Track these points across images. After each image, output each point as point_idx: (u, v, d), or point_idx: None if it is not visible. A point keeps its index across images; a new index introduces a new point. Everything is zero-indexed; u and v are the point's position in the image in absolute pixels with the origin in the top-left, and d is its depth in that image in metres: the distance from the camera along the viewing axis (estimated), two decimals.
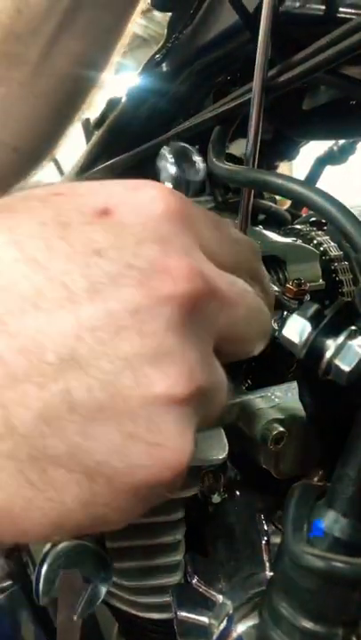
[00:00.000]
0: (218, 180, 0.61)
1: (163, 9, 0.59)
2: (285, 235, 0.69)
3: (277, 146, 0.85)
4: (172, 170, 0.34)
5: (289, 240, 0.64)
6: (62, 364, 0.22)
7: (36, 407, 0.22)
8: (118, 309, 0.23)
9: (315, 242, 0.67)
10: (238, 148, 0.95)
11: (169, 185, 0.36)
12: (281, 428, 0.47)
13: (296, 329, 0.33)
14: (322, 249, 0.66)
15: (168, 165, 0.37)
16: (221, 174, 0.44)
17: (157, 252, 0.25)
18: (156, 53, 0.61)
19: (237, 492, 0.53)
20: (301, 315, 0.33)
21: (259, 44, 0.41)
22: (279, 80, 0.42)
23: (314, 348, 0.32)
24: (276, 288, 0.58)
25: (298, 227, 0.71)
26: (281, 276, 0.61)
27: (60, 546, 0.37)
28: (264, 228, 0.82)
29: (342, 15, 0.41)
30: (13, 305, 0.22)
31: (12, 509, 0.22)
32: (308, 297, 0.56)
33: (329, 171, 0.97)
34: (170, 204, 0.27)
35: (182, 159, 0.51)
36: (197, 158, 0.56)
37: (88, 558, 0.41)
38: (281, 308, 0.56)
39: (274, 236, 0.64)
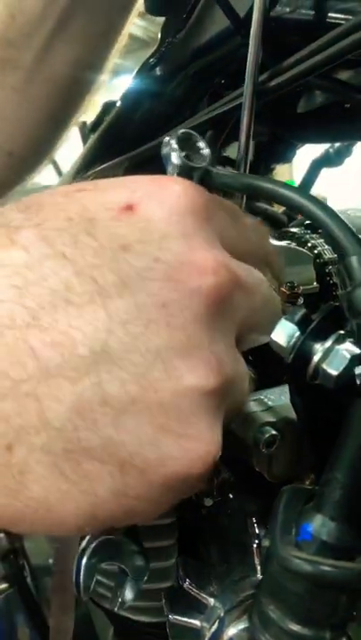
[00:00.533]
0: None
1: (156, 13, 0.59)
2: (280, 238, 0.69)
3: (274, 148, 0.85)
4: (177, 157, 0.34)
5: (283, 243, 0.64)
6: (94, 357, 0.22)
7: (69, 401, 0.22)
8: (147, 303, 0.24)
9: (309, 245, 0.67)
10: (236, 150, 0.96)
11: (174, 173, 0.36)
12: (273, 432, 0.47)
13: (284, 333, 0.33)
14: (316, 252, 0.66)
15: (172, 153, 0.37)
16: (214, 179, 0.44)
17: (183, 245, 0.26)
18: (150, 57, 0.61)
19: (230, 495, 0.53)
20: (289, 319, 0.33)
21: (250, 49, 0.41)
22: (270, 84, 0.43)
23: (301, 353, 0.32)
24: None
25: (292, 230, 0.71)
26: None
27: (99, 539, 0.37)
28: None
29: (332, 20, 0.41)
30: (44, 300, 0.23)
31: (48, 501, 0.23)
32: (301, 300, 0.56)
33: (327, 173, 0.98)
34: (193, 199, 0.27)
35: (187, 146, 0.51)
36: (202, 144, 0.57)
37: (125, 553, 0.41)
38: None
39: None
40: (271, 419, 0.48)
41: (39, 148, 0.73)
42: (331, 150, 0.89)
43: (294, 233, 0.72)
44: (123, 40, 0.67)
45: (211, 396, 0.25)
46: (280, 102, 0.65)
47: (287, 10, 0.43)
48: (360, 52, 0.40)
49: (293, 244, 0.65)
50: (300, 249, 0.63)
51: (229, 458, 0.55)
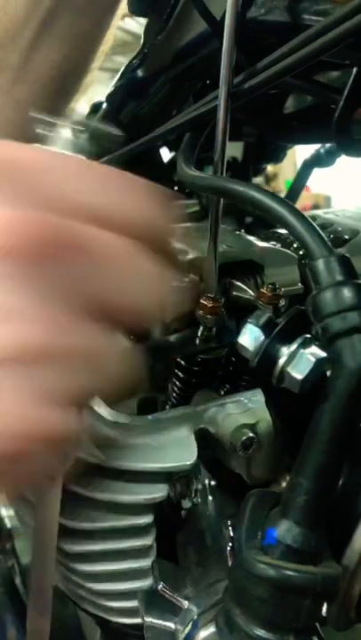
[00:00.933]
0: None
1: (139, 14, 0.59)
2: (265, 239, 0.68)
3: (263, 149, 0.85)
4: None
5: (267, 244, 0.64)
6: None
7: None
8: None
9: (295, 245, 0.66)
10: (231, 150, 0.95)
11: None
12: (250, 434, 0.47)
13: (249, 337, 0.33)
14: (301, 253, 0.65)
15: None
16: (186, 181, 0.44)
17: None
18: (133, 58, 0.61)
19: (210, 498, 0.53)
20: (254, 323, 0.33)
21: (223, 51, 0.41)
22: (245, 86, 0.42)
23: (266, 356, 0.32)
24: (251, 293, 0.58)
25: (279, 230, 0.71)
26: (259, 280, 0.61)
27: None
28: (251, 232, 0.82)
29: (307, 22, 0.41)
30: None
31: None
32: (283, 302, 0.56)
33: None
34: None
35: None
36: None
37: None
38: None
39: (252, 240, 0.64)
40: (249, 421, 0.48)
41: None
42: (321, 151, 0.88)
43: (280, 234, 0.71)
44: (109, 40, 0.67)
45: (20, 367, 0.23)
46: (265, 104, 0.65)
47: (262, 11, 0.43)
48: (336, 53, 0.40)
49: (278, 245, 0.64)
50: (285, 250, 0.63)
51: (209, 460, 0.55)
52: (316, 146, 0.83)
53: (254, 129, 0.73)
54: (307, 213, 0.80)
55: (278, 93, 0.64)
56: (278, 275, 0.62)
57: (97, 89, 0.77)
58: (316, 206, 5.08)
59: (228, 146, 0.92)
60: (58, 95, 0.69)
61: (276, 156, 0.85)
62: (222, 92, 0.42)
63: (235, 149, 0.91)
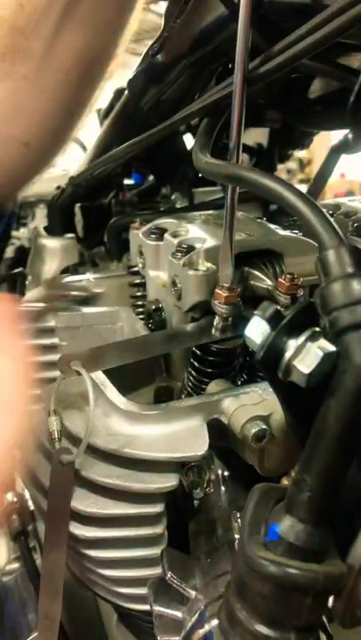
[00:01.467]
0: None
1: None
2: (287, 227, 0.67)
3: (289, 135, 0.83)
4: None
5: (288, 233, 0.62)
6: None
7: None
8: None
9: None
10: (257, 135, 0.94)
11: None
12: (263, 426, 0.47)
13: (256, 330, 0.32)
14: None
15: None
16: (200, 167, 0.44)
17: None
18: (153, 43, 0.60)
19: (222, 488, 0.53)
20: (260, 315, 0.32)
21: (238, 34, 0.39)
22: (261, 70, 0.41)
23: (273, 350, 0.32)
24: (269, 282, 0.57)
25: None
26: (278, 269, 0.60)
27: None
28: (274, 219, 0.81)
29: (326, 2, 0.39)
30: None
31: None
32: (301, 292, 0.55)
33: None
34: None
35: None
36: None
37: None
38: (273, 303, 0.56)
39: (274, 228, 0.63)
40: (262, 412, 0.48)
41: (54, 138, 0.73)
42: (349, 136, 0.86)
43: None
44: (134, 26, 0.66)
45: None
46: (289, 88, 0.64)
47: None
48: (356, 35, 0.38)
49: (300, 234, 0.63)
50: (307, 239, 0.61)
51: (223, 450, 0.54)
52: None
53: (279, 114, 0.71)
54: (330, 201, 0.78)
55: (302, 77, 0.62)
56: (298, 264, 0.61)
57: (128, 74, 0.76)
58: (350, 193, 4.96)
59: (253, 132, 0.91)
60: (82, 83, 0.69)
61: (303, 142, 0.83)
62: (237, 76, 0.41)
63: (260, 135, 0.89)
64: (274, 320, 0.32)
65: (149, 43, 0.75)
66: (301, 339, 0.32)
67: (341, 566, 0.31)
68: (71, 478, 0.47)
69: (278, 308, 0.32)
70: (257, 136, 0.91)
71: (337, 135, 0.92)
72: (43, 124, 0.69)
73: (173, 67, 0.59)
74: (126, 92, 0.68)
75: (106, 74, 0.70)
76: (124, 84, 0.73)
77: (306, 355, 0.31)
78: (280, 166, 1.11)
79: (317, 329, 0.32)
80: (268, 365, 0.32)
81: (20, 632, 0.79)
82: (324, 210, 0.34)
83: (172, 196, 0.89)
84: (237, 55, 0.40)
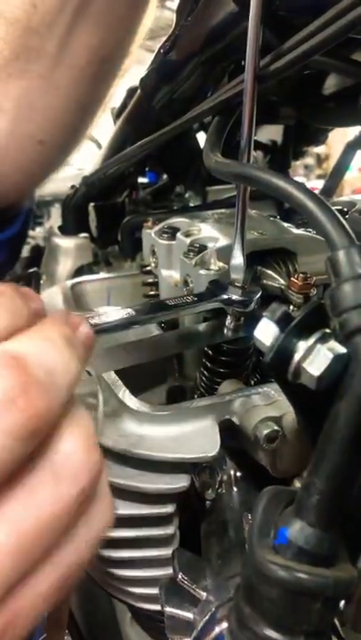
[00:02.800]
0: None
1: None
2: (301, 225, 0.66)
3: (303, 131, 0.82)
4: None
5: (302, 231, 0.62)
6: None
7: None
8: None
9: None
10: (271, 132, 0.93)
11: None
12: (275, 427, 0.46)
13: (265, 331, 0.32)
14: None
15: None
16: (210, 167, 0.43)
17: None
18: (165, 41, 0.60)
19: (234, 489, 0.53)
20: (269, 317, 0.31)
21: (249, 33, 0.39)
22: (271, 68, 0.41)
23: (282, 352, 0.31)
24: (282, 282, 0.56)
25: None
26: (291, 268, 0.59)
27: None
28: (289, 217, 0.80)
29: None
30: None
31: None
32: (314, 291, 0.54)
33: None
34: None
35: None
36: None
37: None
38: (286, 303, 0.55)
39: (287, 227, 0.63)
40: (274, 413, 0.47)
41: (69, 136, 0.73)
42: None
43: None
44: (148, 24, 0.66)
45: None
46: (302, 85, 0.63)
47: None
48: None
49: (313, 233, 0.62)
50: (319, 237, 0.60)
51: (235, 451, 0.54)
52: None
53: (292, 111, 0.70)
54: (346, 198, 0.77)
55: (315, 74, 0.61)
56: (312, 263, 0.60)
57: (143, 71, 0.76)
58: None
59: (267, 129, 0.90)
60: (96, 80, 0.69)
61: (318, 139, 0.82)
62: (248, 73, 0.40)
63: (275, 132, 0.88)
64: (283, 321, 0.31)
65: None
66: (311, 340, 0.31)
67: (352, 571, 0.31)
68: None
69: (287, 309, 0.31)
70: (271, 133, 0.90)
71: (354, 130, 0.91)
72: (57, 122, 0.69)
73: (185, 65, 0.58)
74: (139, 90, 0.68)
75: (120, 71, 0.70)
76: (137, 81, 0.73)
77: (316, 357, 0.31)
78: (298, 162, 1.10)
79: (328, 330, 0.32)
80: (277, 367, 0.32)
81: (35, 631, 0.80)
82: (335, 209, 0.33)
83: (186, 195, 0.89)
84: (248, 52, 0.40)
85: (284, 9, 0.44)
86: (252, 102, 0.41)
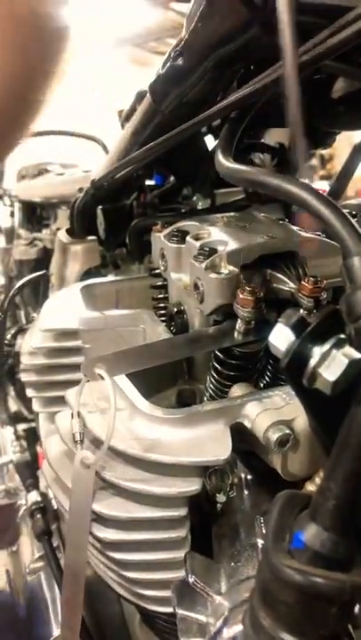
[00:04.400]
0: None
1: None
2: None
3: (311, 134, 0.82)
4: None
5: (311, 234, 0.62)
6: None
7: None
8: None
9: None
10: (279, 135, 0.93)
11: None
12: (286, 431, 0.46)
13: (280, 337, 0.32)
14: None
15: None
16: (223, 172, 0.43)
17: None
18: (175, 46, 0.60)
19: (245, 492, 0.53)
20: (284, 323, 0.32)
21: (281, 27, 0.38)
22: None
23: (297, 357, 0.31)
24: (292, 285, 0.56)
25: None
26: (301, 271, 0.59)
27: None
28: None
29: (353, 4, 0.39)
30: None
31: None
32: (324, 294, 0.54)
33: None
34: None
35: None
36: None
37: None
38: (297, 306, 0.55)
39: (296, 230, 0.63)
40: (286, 417, 0.47)
41: None
42: None
43: None
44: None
45: None
46: (311, 89, 0.63)
47: None
48: None
49: (323, 236, 0.62)
50: (328, 241, 0.61)
51: (246, 453, 0.54)
52: None
53: (301, 114, 0.70)
54: (354, 201, 0.77)
55: (324, 78, 0.61)
56: (321, 266, 0.60)
57: (153, 73, 0.76)
58: None
59: (275, 131, 0.90)
60: None
61: (325, 142, 0.82)
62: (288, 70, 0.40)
63: (283, 135, 0.88)
64: (298, 327, 0.31)
65: (170, 41, 0.75)
66: (327, 346, 0.31)
67: None
68: (92, 480, 0.47)
69: (303, 315, 0.31)
70: (279, 136, 0.90)
71: (359, 132, 0.91)
72: None
73: (195, 70, 0.58)
74: (148, 94, 0.68)
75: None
76: (145, 80, 0.73)
77: (331, 362, 0.31)
78: None
79: (343, 336, 0.32)
80: (292, 372, 0.32)
81: (44, 630, 0.80)
82: (349, 215, 0.34)
83: (194, 198, 0.89)
84: (285, 47, 0.39)
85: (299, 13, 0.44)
86: (296, 99, 0.41)
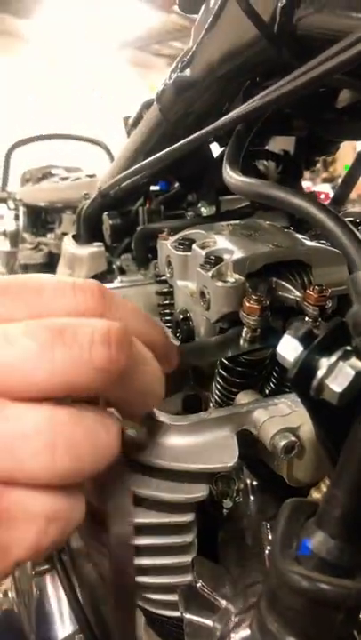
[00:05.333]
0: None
1: (188, 11, 0.59)
2: (315, 236, 0.67)
3: (316, 142, 0.84)
4: None
5: (315, 243, 0.62)
6: None
7: None
8: None
9: None
10: (284, 143, 0.94)
11: None
12: (292, 438, 0.47)
13: (288, 348, 0.33)
14: None
15: None
16: (230, 185, 0.44)
17: None
18: (182, 57, 0.61)
19: (251, 498, 0.54)
20: (292, 334, 0.32)
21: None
22: (289, 87, 0.42)
23: (305, 368, 0.32)
24: (297, 293, 0.57)
25: None
26: (306, 280, 0.60)
27: None
28: (301, 228, 0.81)
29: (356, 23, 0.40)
30: None
31: None
32: (329, 303, 0.55)
33: None
34: None
35: None
36: None
37: None
38: (302, 314, 0.56)
39: (301, 239, 0.63)
40: (291, 424, 0.48)
41: None
42: None
43: None
44: None
45: None
46: (316, 98, 0.64)
47: (311, 10, 0.42)
48: None
49: (327, 244, 0.63)
50: (333, 249, 0.61)
51: (251, 460, 0.55)
52: None
53: (306, 123, 0.71)
54: (357, 209, 0.78)
55: (332, 87, 0.62)
56: (326, 274, 0.61)
57: (155, 75, 0.77)
58: None
59: (279, 139, 0.91)
60: None
61: (329, 149, 0.83)
62: None
63: (287, 143, 0.89)
64: (306, 339, 0.32)
65: (172, 44, 0.76)
66: (333, 358, 0.32)
67: None
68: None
69: (310, 327, 0.32)
70: (283, 143, 0.91)
71: None
72: None
73: (201, 81, 0.59)
74: (155, 104, 0.69)
75: None
76: (148, 81, 0.74)
77: (338, 374, 0.32)
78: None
79: (349, 348, 0.33)
80: (299, 383, 0.33)
81: (50, 633, 0.81)
82: (354, 227, 0.34)
83: (199, 204, 0.90)
84: None
85: (302, 29, 0.45)
86: None
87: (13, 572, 0.31)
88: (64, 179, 1.75)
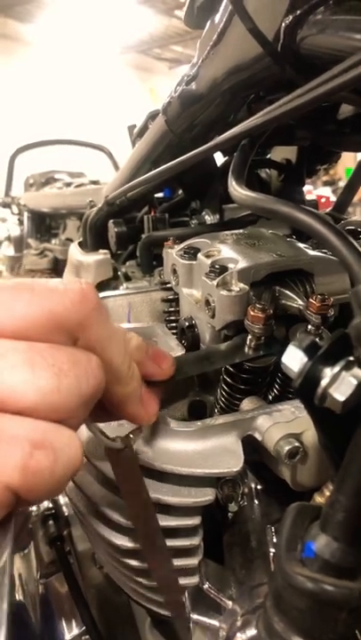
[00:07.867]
0: None
1: (193, 26, 0.60)
2: (317, 246, 0.69)
3: (318, 151, 0.85)
4: None
5: (318, 252, 0.64)
6: None
7: None
8: None
9: None
10: (286, 152, 0.96)
11: None
12: (296, 443, 0.49)
13: (293, 358, 0.34)
14: None
15: None
16: (236, 199, 0.46)
17: None
18: (188, 70, 0.63)
19: (256, 501, 0.55)
20: (297, 345, 0.34)
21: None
22: (294, 105, 0.43)
23: (309, 378, 0.34)
24: (300, 302, 0.59)
25: None
26: (309, 288, 0.61)
27: None
28: (304, 237, 0.83)
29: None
30: None
31: None
32: (332, 311, 0.57)
33: None
34: None
35: None
36: None
37: None
38: (305, 322, 0.58)
39: (303, 248, 0.65)
40: (295, 430, 0.50)
41: None
42: None
43: None
44: None
45: None
46: (318, 111, 0.65)
47: (314, 31, 0.43)
48: None
49: (329, 254, 0.65)
50: (335, 258, 0.63)
51: (256, 464, 0.56)
52: None
53: (308, 133, 0.73)
54: (358, 218, 0.79)
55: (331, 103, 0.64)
56: (328, 283, 0.62)
57: (156, 79, 0.79)
58: None
59: (281, 148, 0.92)
60: None
61: (330, 159, 0.84)
62: None
63: (289, 152, 0.91)
64: (310, 350, 0.34)
65: (173, 48, 0.78)
66: (337, 368, 0.33)
67: None
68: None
69: (315, 339, 0.34)
70: (285, 152, 0.93)
71: None
72: None
73: (206, 94, 0.61)
74: (160, 115, 0.71)
75: None
76: (149, 84, 0.76)
77: (341, 383, 0.33)
78: None
79: (352, 358, 0.34)
80: (304, 392, 0.34)
81: (57, 633, 0.82)
82: (355, 241, 0.36)
83: (202, 212, 0.92)
84: None
85: (305, 49, 0.46)
86: None
87: (10, 506, 0.30)
88: (68, 184, 1.77)
